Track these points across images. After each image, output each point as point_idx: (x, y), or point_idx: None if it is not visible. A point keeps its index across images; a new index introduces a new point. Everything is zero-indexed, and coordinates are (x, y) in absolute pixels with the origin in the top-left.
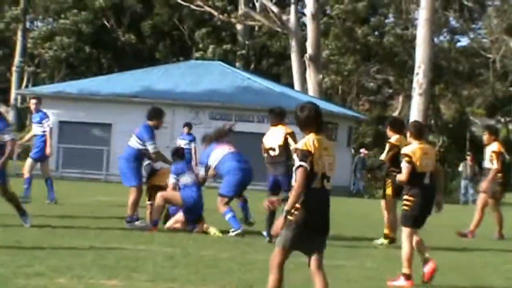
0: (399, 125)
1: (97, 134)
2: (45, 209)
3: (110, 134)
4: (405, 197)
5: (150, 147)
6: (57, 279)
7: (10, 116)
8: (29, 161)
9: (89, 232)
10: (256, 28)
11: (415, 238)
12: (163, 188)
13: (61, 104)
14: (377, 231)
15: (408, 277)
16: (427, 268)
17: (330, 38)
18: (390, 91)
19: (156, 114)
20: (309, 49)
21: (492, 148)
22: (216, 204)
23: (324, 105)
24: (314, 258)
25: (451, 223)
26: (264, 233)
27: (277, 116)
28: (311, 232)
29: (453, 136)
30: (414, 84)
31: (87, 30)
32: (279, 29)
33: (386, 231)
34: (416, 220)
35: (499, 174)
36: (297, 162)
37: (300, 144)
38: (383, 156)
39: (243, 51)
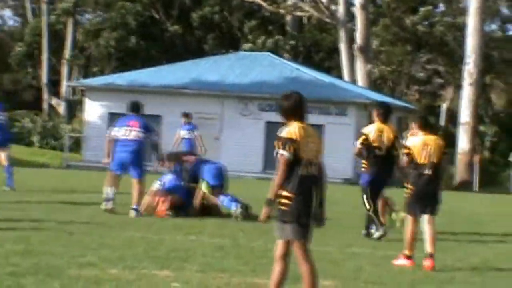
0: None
1: None
2: (97, 200)
3: (159, 125)
4: (406, 185)
5: (155, 137)
6: (109, 269)
7: (61, 108)
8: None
9: (140, 223)
10: (305, 19)
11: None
12: None
13: (111, 96)
14: None
15: (408, 258)
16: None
17: (379, 28)
18: (440, 81)
19: (140, 107)
20: (358, 40)
21: None
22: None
23: (373, 95)
24: (302, 246)
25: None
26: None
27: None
28: (306, 219)
29: (504, 125)
30: (465, 74)
31: (135, 22)
32: (328, 20)
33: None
34: (414, 207)
35: None
36: (278, 150)
37: (283, 133)
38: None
39: (292, 42)
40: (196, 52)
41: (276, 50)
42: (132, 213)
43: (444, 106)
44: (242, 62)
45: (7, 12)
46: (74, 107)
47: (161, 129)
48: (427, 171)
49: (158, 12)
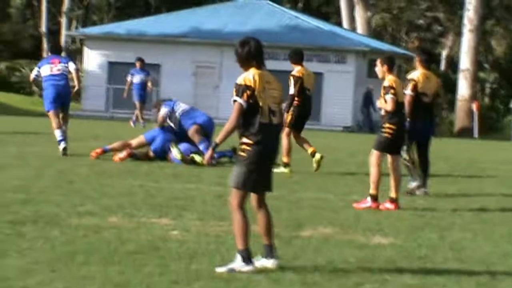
0: (299, 56)
1: None
2: (93, 149)
3: (158, 74)
4: (386, 125)
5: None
6: (109, 218)
7: None
8: None
9: (139, 172)
10: None
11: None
12: None
13: (110, 45)
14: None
15: (375, 198)
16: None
17: None
18: (440, 28)
19: (61, 48)
20: None
21: None
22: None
23: (373, 43)
24: (258, 196)
25: (503, 159)
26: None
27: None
28: (264, 167)
29: (505, 72)
30: (465, 21)
31: None
32: None
33: (285, 159)
34: (390, 146)
35: None
36: (233, 97)
37: (239, 79)
38: (291, 91)
39: None
40: (195, 0)
41: None
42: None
43: (444, 53)
44: (241, 10)
45: None
46: (74, 57)
47: (160, 77)
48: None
49: None
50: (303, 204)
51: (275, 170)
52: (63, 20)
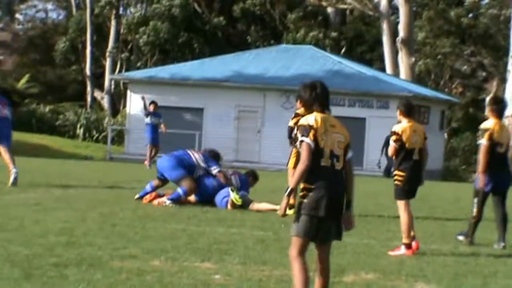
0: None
1: (189, 118)
2: (139, 192)
3: (201, 118)
4: (396, 172)
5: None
6: (151, 261)
7: (105, 101)
8: None
9: (182, 216)
10: (348, 11)
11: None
12: None
13: (154, 89)
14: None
15: (408, 246)
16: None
17: (423, 21)
18: (484, 74)
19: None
20: (401, 32)
21: None
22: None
23: (416, 88)
24: (324, 248)
25: None
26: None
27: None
28: (324, 213)
29: None
30: (509, 67)
31: (180, 15)
32: (370, 12)
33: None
34: (408, 192)
35: None
36: (300, 138)
37: (302, 121)
38: (290, 123)
39: (335, 34)
40: (238, 44)
41: (318, 43)
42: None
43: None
44: (284, 54)
45: (50, 5)
46: (117, 100)
47: (203, 121)
48: (416, 156)
49: (201, 4)
50: (345, 249)
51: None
52: (107, 63)
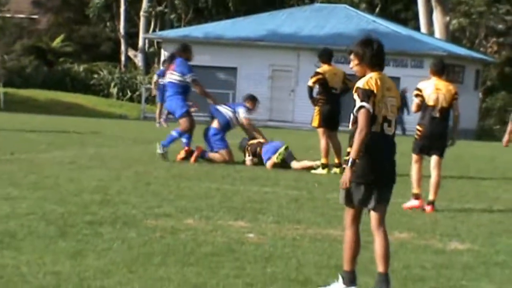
0: (326, 56)
1: (223, 77)
2: (173, 152)
3: (235, 77)
4: (416, 126)
5: (189, 77)
6: (185, 220)
7: (138, 60)
8: None
9: (216, 175)
10: None
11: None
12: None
13: None
14: (506, 174)
15: (417, 196)
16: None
17: None
18: None
19: (185, 49)
20: None
21: None
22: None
23: (451, 47)
24: (377, 214)
25: None
26: None
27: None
28: (372, 180)
29: None
30: None
31: None
32: None
33: (323, 160)
34: (422, 148)
35: None
36: (358, 103)
37: (361, 83)
38: (309, 82)
39: None
40: (272, 3)
41: (352, 2)
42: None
43: None
44: (318, 14)
45: None
46: (151, 59)
47: (237, 80)
48: (436, 114)
49: None
50: None
51: (314, 171)
52: (141, 23)
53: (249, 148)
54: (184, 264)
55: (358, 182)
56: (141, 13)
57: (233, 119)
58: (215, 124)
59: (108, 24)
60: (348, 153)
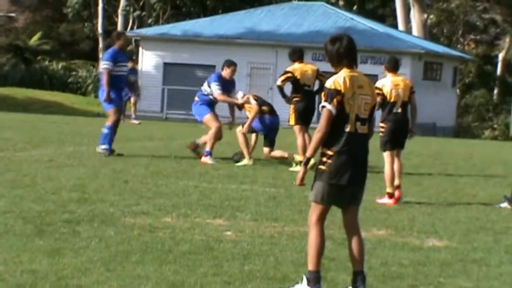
0: (298, 54)
1: (201, 75)
2: (151, 149)
3: None
4: (380, 124)
5: (101, 65)
6: (163, 218)
7: None
8: None
9: (194, 172)
10: None
11: (396, 163)
12: None
13: (166, 46)
14: (483, 171)
15: (391, 195)
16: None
17: None
18: (497, 30)
19: (117, 37)
20: None
21: None
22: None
23: (428, 45)
24: (349, 214)
25: None
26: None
27: None
28: (345, 181)
29: None
30: None
31: None
32: None
33: (300, 157)
34: (389, 143)
35: None
36: (322, 103)
37: (329, 83)
38: (278, 82)
39: None
40: (250, 1)
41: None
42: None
43: (501, 56)
44: (296, 11)
45: None
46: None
47: None
48: (398, 109)
49: None
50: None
51: (292, 169)
52: (119, 21)
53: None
54: (162, 262)
55: (332, 182)
56: (119, 11)
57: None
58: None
59: (86, 22)
60: (322, 154)
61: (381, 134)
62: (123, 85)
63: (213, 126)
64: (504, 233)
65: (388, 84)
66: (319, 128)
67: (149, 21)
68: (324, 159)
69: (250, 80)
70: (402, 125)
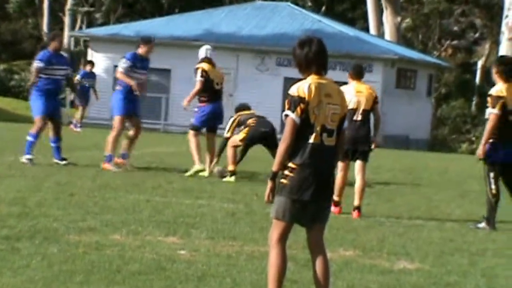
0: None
1: (155, 80)
2: (98, 160)
3: (169, 80)
4: None
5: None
6: (111, 235)
7: None
8: None
9: (145, 186)
10: None
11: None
12: None
13: (117, 48)
14: (460, 187)
15: (336, 204)
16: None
17: None
18: (476, 35)
19: (51, 38)
20: None
21: None
22: None
23: (402, 50)
24: (313, 233)
25: None
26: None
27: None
28: (309, 197)
29: None
30: (503, 28)
31: None
32: None
33: (231, 167)
34: (346, 153)
35: None
36: (285, 111)
37: (292, 90)
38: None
39: None
40: (210, 0)
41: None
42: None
43: (480, 63)
44: (259, 12)
45: None
46: (77, 59)
47: (170, 83)
48: (358, 117)
49: None
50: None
51: (226, 179)
52: (66, 19)
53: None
54: (109, 283)
55: (294, 198)
56: (67, 9)
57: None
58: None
59: (30, 20)
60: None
61: None
62: (58, 90)
63: (117, 129)
64: (480, 255)
65: (350, 90)
66: (282, 138)
67: (99, 20)
68: (286, 172)
69: None
70: (361, 134)
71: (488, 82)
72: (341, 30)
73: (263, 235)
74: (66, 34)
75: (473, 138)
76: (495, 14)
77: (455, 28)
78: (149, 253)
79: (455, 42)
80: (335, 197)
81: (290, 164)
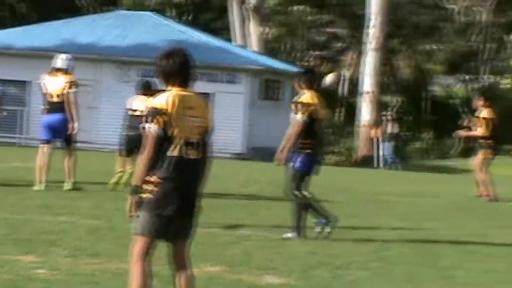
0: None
1: (12, 92)
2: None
3: (26, 93)
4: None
5: None
6: None
7: None
8: None
9: (3, 203)
10: None
11: None
12: None
13: None
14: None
15: None
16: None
17: None
18: (341, 45)
19: None
20: None
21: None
22: None
23: (267, 61)
24: (178, 248)
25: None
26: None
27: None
28: (172, 212)
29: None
30: (368, 38)
31: None
32: None
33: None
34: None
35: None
36: (143, 123)
37: (151, 102)
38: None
39: (178, 0)
40: (70, 9)
41: (160, 9)
42: None
43: (348, 74)
44: (121, 22)
45: None
46: None
47: (29, 96)
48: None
49: None
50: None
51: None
52: None
53: None
54: None
55: (156, 213)
56: None
57: None
58: None
59: None
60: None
61: None
62: None
63: None
64: (345, 268)
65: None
66: (145, 152)
67: None
68: (148, 187)
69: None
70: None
71: (354, 92)
72: (205, 41)
73: (127, 251)
74: None
75: (339, 150)
76: (359, 25)
77: (322, 38)
78: (6, 273)
79: (320, 52)
80: None
81: (152, 179)
